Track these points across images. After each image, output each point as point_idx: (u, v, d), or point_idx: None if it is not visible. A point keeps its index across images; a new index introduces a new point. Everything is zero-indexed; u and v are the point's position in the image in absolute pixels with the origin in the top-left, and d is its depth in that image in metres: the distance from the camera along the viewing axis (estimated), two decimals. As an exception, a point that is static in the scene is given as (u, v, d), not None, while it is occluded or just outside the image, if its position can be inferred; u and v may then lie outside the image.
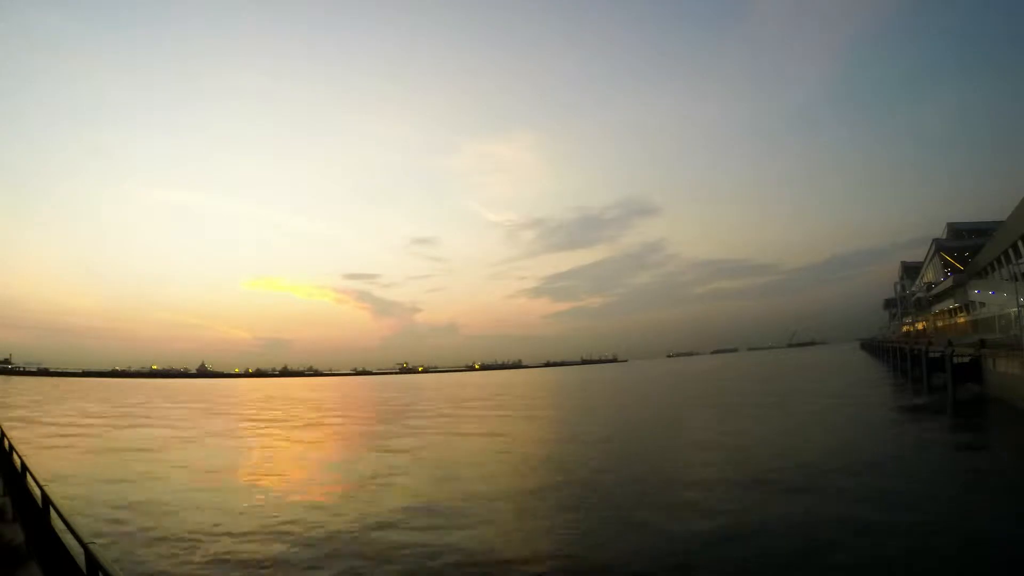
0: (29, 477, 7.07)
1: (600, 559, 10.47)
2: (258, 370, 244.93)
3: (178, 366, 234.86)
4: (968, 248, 68.81)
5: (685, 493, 14.84)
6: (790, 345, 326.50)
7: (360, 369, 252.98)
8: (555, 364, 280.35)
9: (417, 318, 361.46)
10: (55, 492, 5.45)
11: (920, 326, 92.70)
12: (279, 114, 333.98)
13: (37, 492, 5.96)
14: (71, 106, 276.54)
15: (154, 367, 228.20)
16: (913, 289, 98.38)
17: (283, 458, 24.61)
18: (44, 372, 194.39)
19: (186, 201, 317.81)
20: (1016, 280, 46.65)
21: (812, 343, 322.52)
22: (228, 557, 11.07)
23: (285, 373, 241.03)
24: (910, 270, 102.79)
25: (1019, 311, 34.05)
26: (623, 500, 14.48)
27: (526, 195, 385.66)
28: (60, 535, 4.79)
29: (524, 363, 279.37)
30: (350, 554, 11.09)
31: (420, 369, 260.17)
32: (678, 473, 17.77)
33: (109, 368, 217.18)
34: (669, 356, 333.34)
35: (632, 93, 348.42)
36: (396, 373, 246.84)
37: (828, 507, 12.97)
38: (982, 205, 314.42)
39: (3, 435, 11.31)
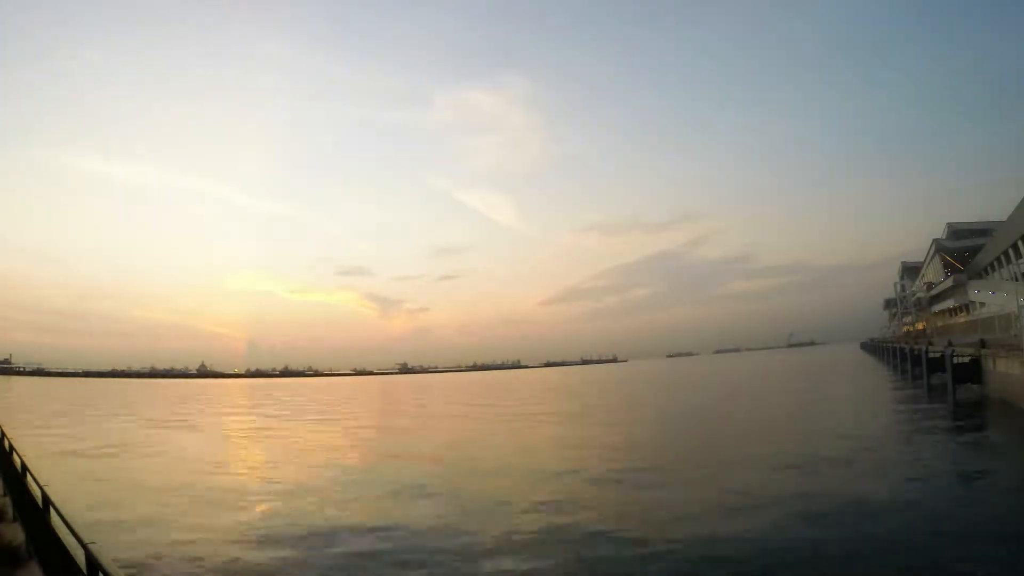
0: (29, 477, 7.07)
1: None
2: (258, 370, 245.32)
3: (178, 366, 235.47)
4: (968, 248, 68.86)
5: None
6: (789, 345, 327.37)
7: (360, 369, 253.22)
8: (555, 364, 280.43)
9: (411, 317, 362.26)
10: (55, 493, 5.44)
11: (920, 326, 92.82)
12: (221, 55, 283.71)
13: (37, 492, 5.95)
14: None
15: (154, 367, 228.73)
16: (913, 289, 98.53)
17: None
18: (43, 372, 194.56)
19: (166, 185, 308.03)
20: (1016, 280, 46.73)
21: (811, 343, 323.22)
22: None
23: (286, 373, 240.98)
24: (910, 270, 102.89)
25: (1019, 311, 34.03)
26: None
27: (522, 170, 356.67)
28: (60, 535, 4.79)
29: (523, 363, 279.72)
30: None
31: (419, 369, 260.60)
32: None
33: (109, 368, 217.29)
34: (669, 356, 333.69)
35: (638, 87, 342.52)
36: (396, 373, 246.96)
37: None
38: (982, 205, 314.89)
39: (3, 435, 11.31)
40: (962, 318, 66.71)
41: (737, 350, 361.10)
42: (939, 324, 79.95)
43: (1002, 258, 51.52)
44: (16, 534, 6.96)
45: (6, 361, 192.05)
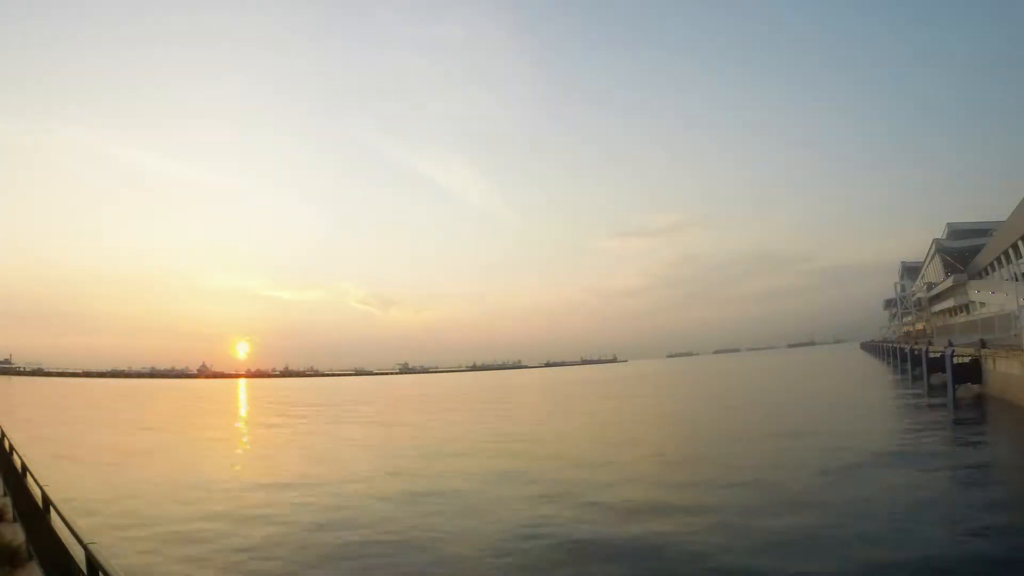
0: (29, 477, 7.07)
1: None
2: (259, 370, 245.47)
3: (178, 366, 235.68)
4: (968, 248, 68.88)
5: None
6: (789, 346, 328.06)
7: (360, 369, 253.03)
8: (555, 364, 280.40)
9: (411, 317, 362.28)
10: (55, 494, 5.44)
11: (920, 326, 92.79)
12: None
13: (37, 492, 5.96)
14: None
15: (154, 367, 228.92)
16: (913, 289, 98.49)
17: None
18: (42, 372, 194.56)
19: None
20: (1016, 280, 46.72)
21: (811, 343, 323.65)
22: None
23: (286, 373, 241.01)
24: (910, 270, 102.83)
25: (1019, 311, 34.04)
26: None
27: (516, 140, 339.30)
28: (60, 535, 4.79)
29: (523, 363, 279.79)
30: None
31: (420, 369, 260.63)
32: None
33: (109, 368, 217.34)
34: (669, 356, 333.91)
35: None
36: (396, 373, 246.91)
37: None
38: (982, 205, 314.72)
39: (3, 436, 11.31)
40: (962, 318, 66.65)
41: (737, 350, 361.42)
42: (939, 324, 79.88)
43: (1002, 258, 51.51)
44: (16, 534, 6.97)
45: (6, 361, 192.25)
